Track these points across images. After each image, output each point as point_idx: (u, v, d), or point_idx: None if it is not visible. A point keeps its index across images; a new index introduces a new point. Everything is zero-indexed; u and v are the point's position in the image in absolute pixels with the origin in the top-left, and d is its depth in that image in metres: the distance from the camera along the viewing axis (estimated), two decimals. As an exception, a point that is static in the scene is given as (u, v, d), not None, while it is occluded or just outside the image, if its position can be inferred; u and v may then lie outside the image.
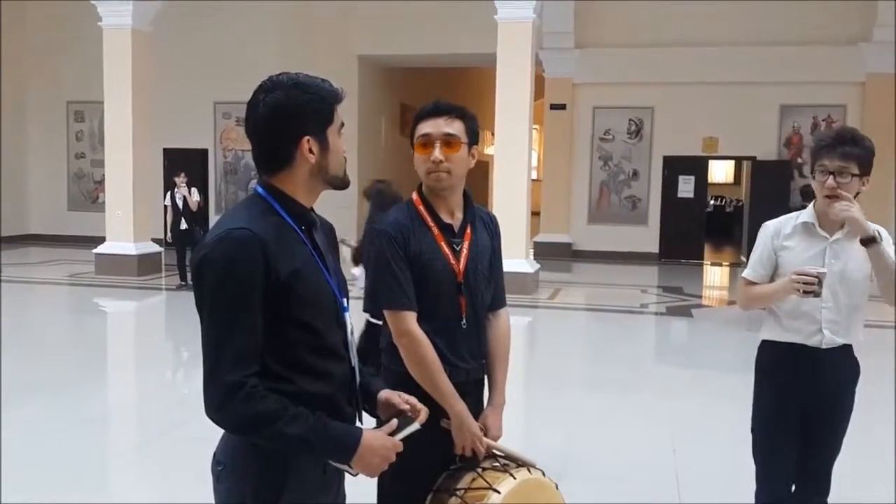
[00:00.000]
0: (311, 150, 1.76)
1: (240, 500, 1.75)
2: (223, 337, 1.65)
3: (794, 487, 2.88)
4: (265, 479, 1.74)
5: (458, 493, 2.14)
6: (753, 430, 2.94)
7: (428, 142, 2.27)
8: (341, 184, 1.85)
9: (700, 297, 11.91)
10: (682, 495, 4.09)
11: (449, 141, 2.28)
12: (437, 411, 2.20)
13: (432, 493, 2.22)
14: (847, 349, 2.80)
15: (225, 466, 1.78)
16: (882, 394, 5.49)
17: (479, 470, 2.19)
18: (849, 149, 2.65)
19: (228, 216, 1.77)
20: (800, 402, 2.81)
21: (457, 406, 2.23)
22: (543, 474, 2.26)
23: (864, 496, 3.43)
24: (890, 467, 4.33)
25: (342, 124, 1.84)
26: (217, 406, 1.64)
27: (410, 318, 2.19)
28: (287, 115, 1.74)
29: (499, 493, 2.08)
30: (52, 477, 4.21)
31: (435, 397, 2.20)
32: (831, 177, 2.65)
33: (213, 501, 1.82)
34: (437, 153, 2.26)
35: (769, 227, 2.90)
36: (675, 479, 4.31)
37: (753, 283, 2.89)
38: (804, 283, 2.60)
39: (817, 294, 2.62)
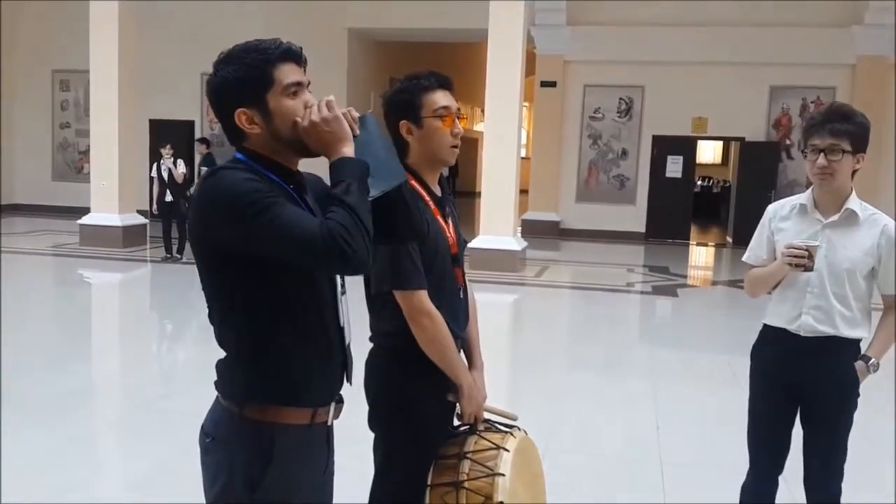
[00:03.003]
0: (252, 122, 1.71)
1: (228, 471, 1.74)
2: (282, 217, 1.61)
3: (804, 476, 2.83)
4: (253, 450, 1.73)
5: (468, 456, 2.20)
6: (748, 412, 2.92)
7: (447, 114, 2.25)
8: (304, 148, 1.75)
9: (686, 277, 11.97)
10: (665, 473, 4.11)
11: (461, 115, 2.30)
12: (443, 386, 2.24)
13: (434, 462, 2.24)
14: (837, 342, 2.67)
15: (213, 438, 1.78)
16: (882, 393, 5.48)
17: (479, 432, 2.27)
18: (839, 125, 2.58)
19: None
20: (784, 389, 2.76)
21: (468, 377, 2.27)
22: (525, 433, 2.38)
23: (864, 496, 3.44)
24: (890, 467, 4.35)
25: (294, 83, 1.72)
26: (337, 253, 1.59)
27: (426, 296, 2.17)
28: (218, 93, 1.73)
29: (508, 451, 2.20)
30: (35, 450, 4.20)
31: (447, 372, 2.22)
32: (822, 155, 2.59)
33: (198, 473, 1.81)
34: (460, 127, 2.28)
35: (768, 210, 2.86)
36: (658, 457, 4.34)
37: (754, 268, 2.85)
38: (793, 256, 2.59)
39: (808, 268, 2.60)
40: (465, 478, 2.16)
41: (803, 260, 2.59)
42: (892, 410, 5.17)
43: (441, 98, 2.25)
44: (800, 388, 2.74)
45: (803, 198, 2.76)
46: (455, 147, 2.28)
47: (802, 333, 2.69)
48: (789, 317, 2.72)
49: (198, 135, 16.44)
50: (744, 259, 2.90)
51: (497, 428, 2.32)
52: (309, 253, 1.60)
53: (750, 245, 2.88)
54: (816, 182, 2.67)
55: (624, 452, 4.49)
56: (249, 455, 1.73)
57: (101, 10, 11.51)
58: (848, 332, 2.67)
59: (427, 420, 2.22)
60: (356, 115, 1.76)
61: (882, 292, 2.74)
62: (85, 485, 3.84)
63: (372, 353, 2.30)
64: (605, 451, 4.50)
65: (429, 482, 2.20)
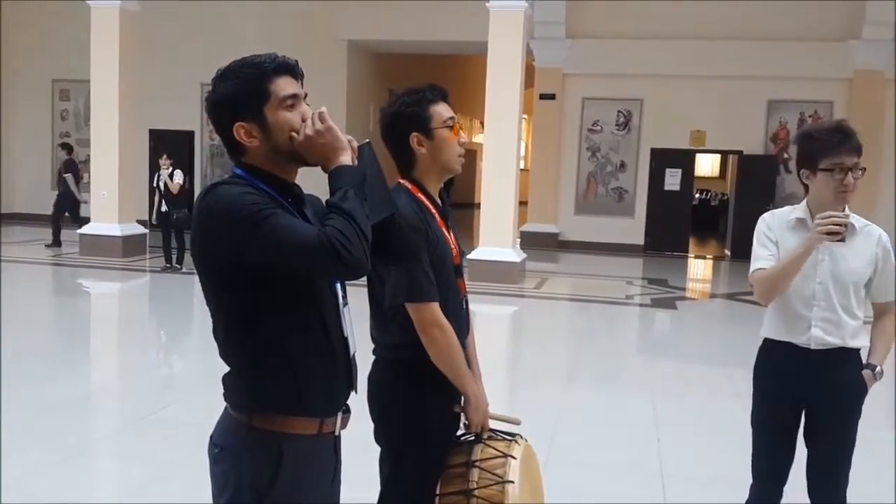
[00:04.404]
0: (251, 135, 1.74)
1: (236, 481, 1.75)
2: (280, 226, 1.63)
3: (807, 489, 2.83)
4: (261, 460, 1.75)
5: (476, 464, 2.22)
6: (752, 426, 2.91)
7: (453, 126, 2.29)
8: (303, 159, 1.77)
9: (684, 289, 11.98)
10: (666, 485, 4.12)
11: (461, 125, 2.34)
12: (448, 396, 2.28)
13: (442, 471, 2.26)
14: (845, 353, 2.70)
15: (222, 448, 1.79)
16: (882, 393, 5.47)
17: (484, 441, 2.29)
18: (857, 143, 2.60)
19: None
20: (794, 402, 2.77)
21: (474, 387, 2.29)
22: (527, 441, 2.41)
23: (864, 496, 3.43)
24: (890, 467, 4.36)
25: (290, 96, 1.74)
26: (334, 257, 1.61)
27: (438, 308, 2.19)
28: (216, 109, 1.76)
29: (515, 458, 2.24)
30: (33, 460, 4.19)
31: (455, 382, 2.25)
32: (849, 174, 2.58)
33: (197, 482, 1.82)
34: (464, 136, 2.32)
35: (764, 220, 2.81)
36: (658, 469, 4.35)
37: (763, 270, 2.72)
38: (835, 224, 2.49)
39: (843, 238, 2.54)
40: (475, 486, 2.18)
41: (842, 229, 2.51)
42: (883, 420, 5.17)
43: (445, 110, 2.29)
44: (807, 400, 2.75)
45: (799, 211, 2.75)
46: (462, 156, 2.32)
47: (813, 346, 2.70)
48: (797, 330, 2.72)
49: (197, 145, 16.50)
50: (757, 268, 2.74)
51: (501, 436, 2.34)
52: (307, 259, 1.63)
53: (757, 256, 2.76)
54: (838, 200, 2.64)
55: (624, 465, 4.48)
56: (257, 464, 1.75)
57: (102, 19, 11.55)
58: (853, 343, 2.71)
59: (434, 431, 2.24)
60: (355, 144, 1.79)
61: (879, 300, 2.78)
62: (83, 494, 3.83)
63: (377, 365, 2.31)
64: (605, 464, 4.50)
65: (437, 492, 2.21)
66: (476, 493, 2.17)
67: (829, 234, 2.51)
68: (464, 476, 2.20)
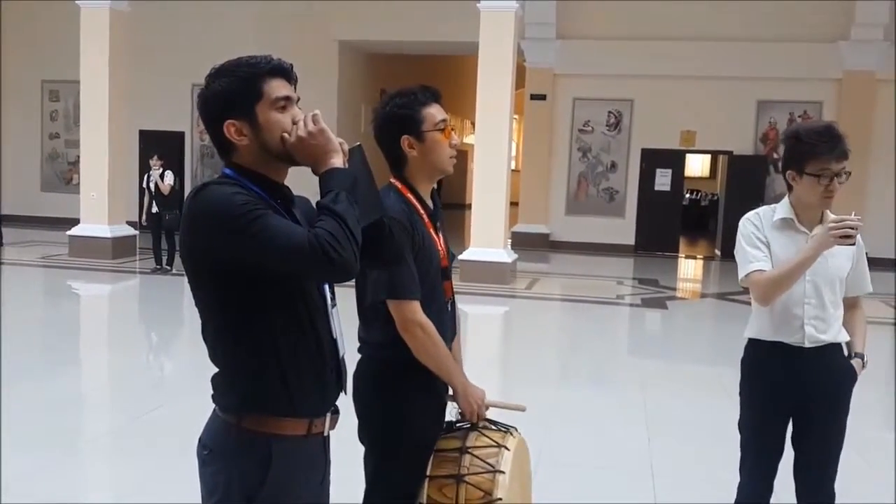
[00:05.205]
0: (241, 133, 1.74)
1: (226, 482, 1.75)
2: (270, 227, 1.63)
3: (795, 489, 2.85)
4: (251, 461, 1.75)
5: (469, 451, 2.24)
6: (740, 428, 2.90)
7: (446, 127, 2.30)
8: (292, 160, 1.77)
9: (675, 289, 12.01)
10: (657, 485, 4.13)
11: (452, 126, 2.35)
12: (434, 393, 2.32)
13: (433, 453, 2.27)
14: (835, 348, 2.74)
15: (211, 450, 1.78)
16: (881, 393, 5.51)
17: (480, 429, 2.33)
18: (843, 147, 2.59)
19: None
20: (787, 402, 2.77)
21: (461, 380, 2.33)
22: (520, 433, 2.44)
23: (864, 496, 3.45)
24: (890, 467, 4.38)
25: (283, 97, 1.74)
26: (324, 259, 1.61)
27: (419, 307, 2.21)
28: (208, 105, 1.76)
29: (508, 449, 2.27)
30: (23, 462, 4.17)
31: (443, 377, 2.29)
32: (835, 179, 2.58)
33: (187, 484, 1.81)
34: (457, 138, 2.33)
35: (751, 221, 2.78)
36: (649, 468, 4.36)
37: (763, 272, 2.68)
38: (849, 228, 2.48)
39: (854, 242, 2.56)
40: (467, 471, 2.20)
41: (855, 232, 2.51)
42: (882, 420, 5.20)
43: (437, 112, 2.29)
44: (799, 399, 2.76)
45: (783, 211, 2.75)
46: (454, 157, 2.33)
47: (807, 344, 2.70)
48: (789, 330, 2.72)
49: (188, 146, 16.45)
50: (751, 270, 2.69)
51: (497, 426, 2.37)
52: (297, 260, 1.63)
53: (750, 257, 2.71)
54: (824, 204, 2.67)
55: (615, 464, 4.50)
56: (247, 466, 1.74)
57: (92, 19, 11.51)
58: (840, 337, 2.75)
59: (416, 430, 2.25)
60: (346, 147, 1.79)
61: (854, 294, 2.83)
62: (73, 495, 3.82)
63: (362, 362, 2.32)
64: (596, 463, 4.51)
65: (428, 473, 2.23)
66: (467, 478, 2.19)
67: (843, 237, 2.51)
68: (456, 461, 2.23)
